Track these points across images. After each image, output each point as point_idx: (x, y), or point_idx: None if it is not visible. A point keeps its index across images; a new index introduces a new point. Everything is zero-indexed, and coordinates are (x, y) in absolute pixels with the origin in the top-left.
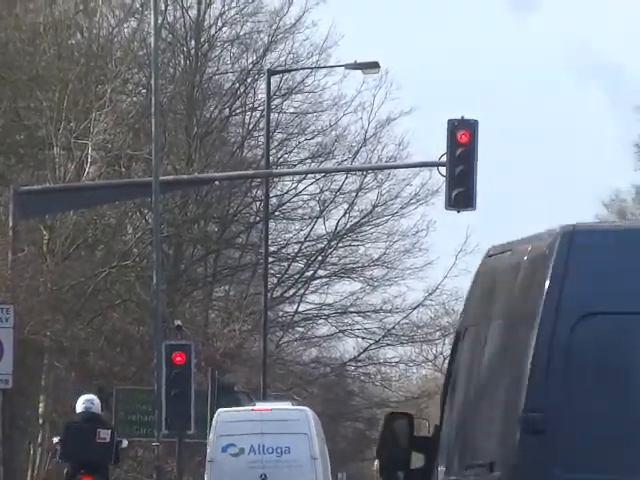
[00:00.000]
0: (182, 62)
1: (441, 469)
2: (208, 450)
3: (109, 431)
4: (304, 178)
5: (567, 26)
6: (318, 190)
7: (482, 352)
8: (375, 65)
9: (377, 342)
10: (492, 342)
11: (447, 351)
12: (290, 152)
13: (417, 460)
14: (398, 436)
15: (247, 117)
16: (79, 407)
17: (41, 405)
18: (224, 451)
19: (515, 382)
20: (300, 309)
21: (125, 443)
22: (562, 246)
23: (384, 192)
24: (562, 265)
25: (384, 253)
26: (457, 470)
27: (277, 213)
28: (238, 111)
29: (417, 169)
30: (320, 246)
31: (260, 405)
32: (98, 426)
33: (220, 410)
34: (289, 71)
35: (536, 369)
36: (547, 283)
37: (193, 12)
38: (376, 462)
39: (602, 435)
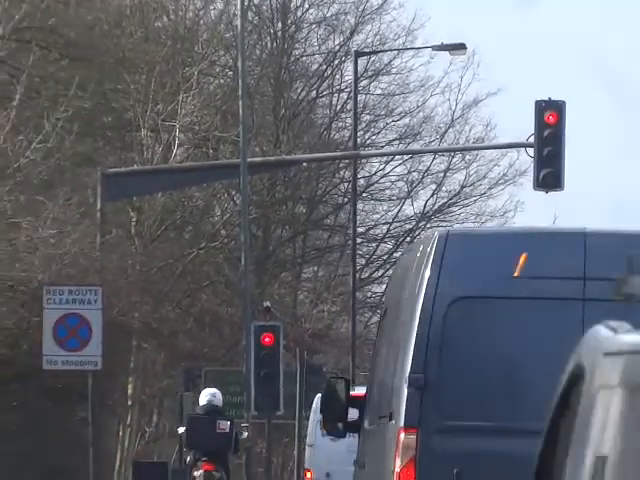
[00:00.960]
0: (269, 44)
1: (366, 420)
2: (308, 434)
3: (228, 422)
4: (392, 159)
5: None
6: (406, 171)
7: (392, 328)
8: (462, 46)
9: None
10: (396, 319)
11: None
12: (377, 133)
13: (353, 414)
14: (338, 395)
15: (334, 99)
16: (202, 400)
17: (130, 386)
18: (324, 435)
19: (405, 351)
20: None
21: (245, 434)
22: (439, 245)
23: (472, 173)
24: (439, 260)
25: None
26: (374, 420)
27: (365, 194)
28: (325, 93)
29: (505, 150)
30: (408, 227)
31: (358, 390)
32: (218, 418)
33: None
34: (376, 53)
35: (418, 340)
36: (427, 273)
37: None
38: (320, 416)
39: (469, 390)
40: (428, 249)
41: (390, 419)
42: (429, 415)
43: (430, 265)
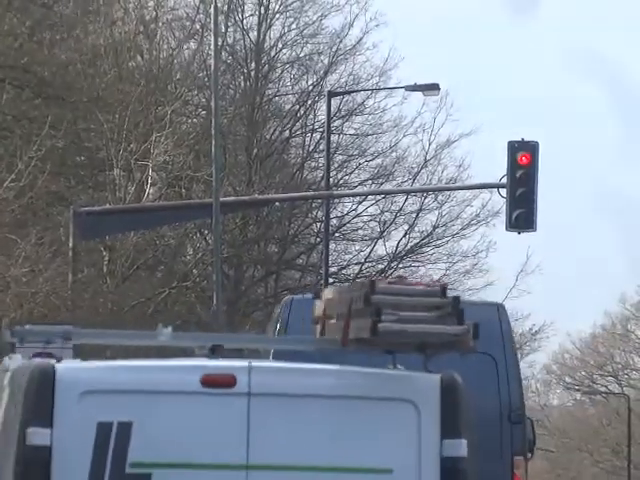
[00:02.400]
0: (242, 84)
1: None
2: None
3: None
4: (364, 199)
5: None
6: (378, 211)
7: None
8: (435, 87)
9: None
10: None
11: None
12: (350, 174)
13: None
14: None
15: (307, 139)
16: None
17: None
18: None
19: None
20: None
21: None
22: (287, 306)
23: (444, 213)
24: (286, 317)
25: (444, 274)
26: None
27: (337, 234)
28: (298, 132)
29: (477, 191)
30: (380, 267)
31: None
32: None
33: None
34: (349, 93)
35: None
36: (278, 326)
37: (253, 34)
38: None
39: None
40: (279, 309)
41: None
42: None
43: (280, 320)
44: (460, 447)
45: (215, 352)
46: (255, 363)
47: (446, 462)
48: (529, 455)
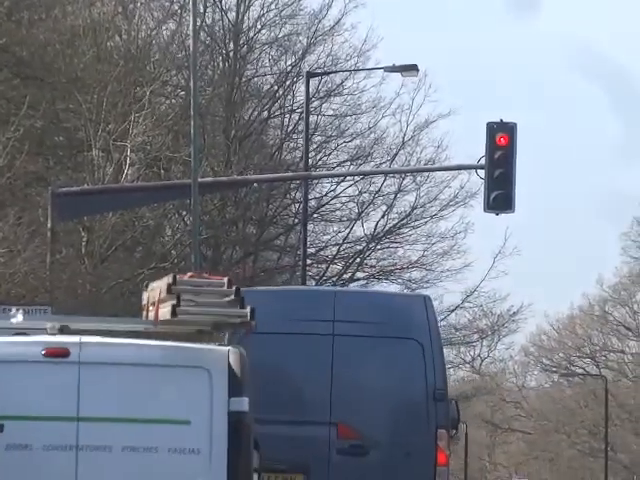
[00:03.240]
0: (221, 64)
1: None
2: None
3: None
4: (343, 180)
5: None
6: (357, 192)
7: None
8: (414, 67)
9: None
10: None
11: (485, 353)
12: (329, 155)
13: None
14: None
15: (286, 119)
16: None
17: None
18: None
19: None
20: None
21: None
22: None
23: (422, 194)
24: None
25: (422, 255)
26: None
27: (315, 215)
28: (277, 113)
29: (456, 172)
30: (358, 248)
31: None
32: None
33: None
34: (328, 73)
35: None
36: None
37: (232, 14)
38: None
39: (261, 397)
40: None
41: None
42: None
43: None
44: (243, 403)
45: (63, 331)
46: (85, 339)
47: (232, 415)
48: (453, 432)
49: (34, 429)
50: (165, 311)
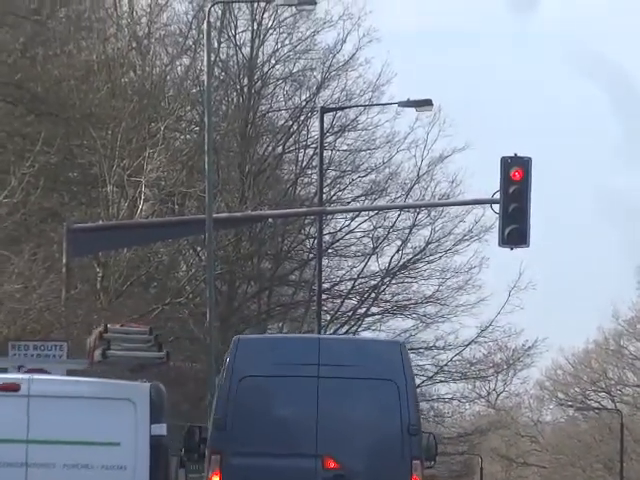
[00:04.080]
0: (235, 99)
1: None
2: None
3: None
4: (357, 215)
5: None
6: (371, 227)
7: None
8: (428, 102)
9: (430, 378)
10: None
11: (500, 387)
12: (343, 189)
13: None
14: (194, 435)
15: (300, 155)
16: None
17: None
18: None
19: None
20: None
21: None
22: (235, 345)
23: (437, 229)
24: (234, 353)
25: (437, 290)
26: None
27: (330, 250)
28: (291, 148)
29: (470, 206)
30: (373, 283)
31: None
32: None
33: None
34: (342, 109)
35: (223, 401)
36: (228, 360)
37: (246, 50)
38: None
39: (253, 430)
40: (231, 346)
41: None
42: (225, 445)
43: (230, 356)
44: (162, 428)
45: (20, 369)
46: (35, 376)
47: (153, 438)
48: (431, 463)
49: None
50: (98, 353)
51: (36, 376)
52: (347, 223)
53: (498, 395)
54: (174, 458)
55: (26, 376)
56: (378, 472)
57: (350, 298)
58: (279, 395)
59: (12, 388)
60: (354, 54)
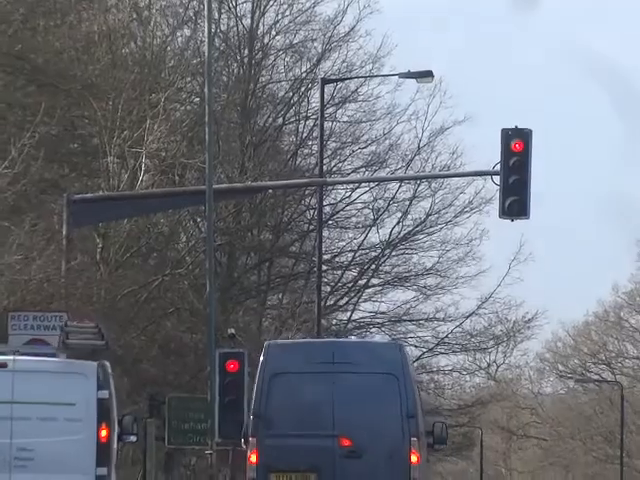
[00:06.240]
0: (236, 70)
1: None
2: None
3: None
4: (358, 187)
5: None
6: (372, 199)
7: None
8: (429, 74)
9: (430, 350)
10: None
11: (500, 359)
12: (344, 161)
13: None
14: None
15: (301, 126)
16: None
17: None
18: None
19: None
20: (353, 317)
21: None
22: (266, 348)
23: (437, 201)
24: (267, 355)
25: (437, 262)
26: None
27: (330, 221)
28: (292, 120)
29: (471, 178)
30: (373, 254)
31: None
32: None
33: None
34: (343, 80)
35: (259, 394)
36: (261, 361)
37: (247, 21)
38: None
39: (283, 418)
40: (263, 349)
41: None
42: (261, 429)
43: (263, 357)
44: (105, 394)
45: (15, 354)
46: (18, 357)
47: (99, 401)
48: (441, 446)
49: None
50: (59, 341)
51: (18, 357)
52: (347, 194)
53: (498, 367)
54: (129, 417)
55: (11, 357)
56: (383, 448)
57: (350, 270)
58: (302, 388)
59: (2, 365)
60: (354, 26)
